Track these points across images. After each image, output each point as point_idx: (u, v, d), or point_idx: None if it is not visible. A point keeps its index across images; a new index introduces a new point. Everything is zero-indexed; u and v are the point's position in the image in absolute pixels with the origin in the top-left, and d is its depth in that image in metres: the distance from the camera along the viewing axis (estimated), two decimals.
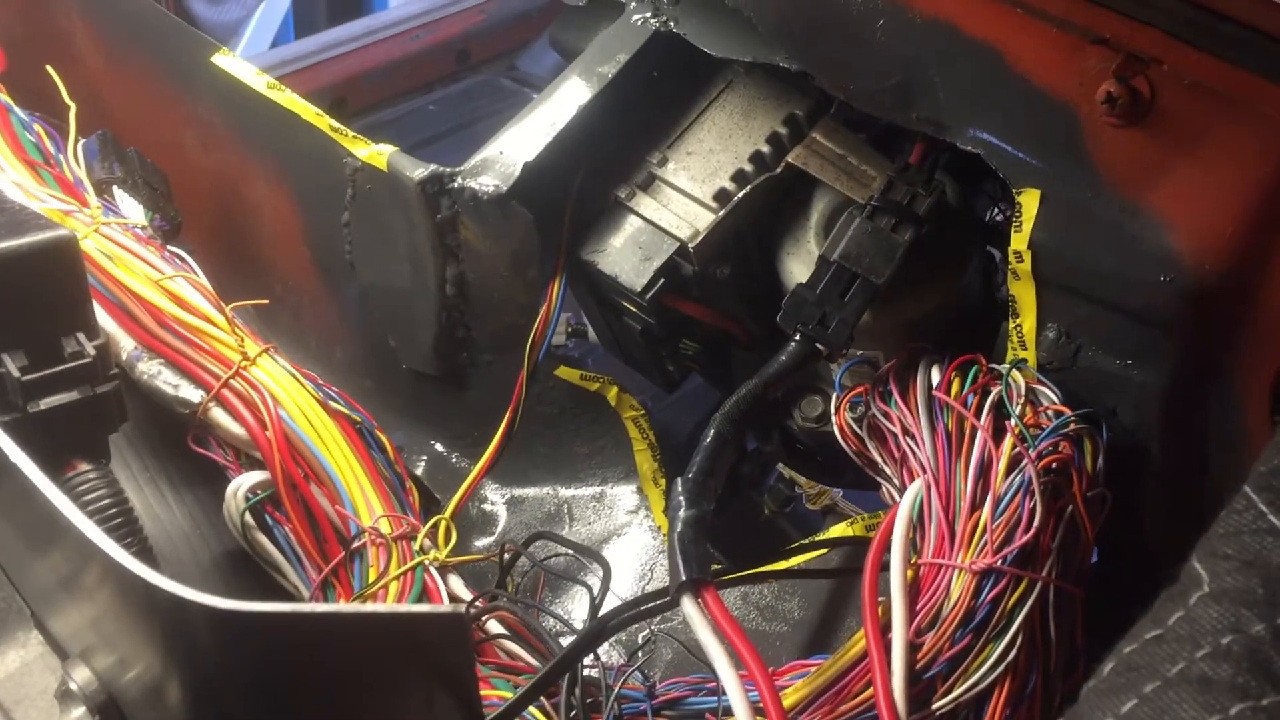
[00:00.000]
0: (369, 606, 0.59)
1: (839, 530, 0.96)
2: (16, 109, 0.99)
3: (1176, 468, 0.82)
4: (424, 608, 0.56)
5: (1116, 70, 0.72)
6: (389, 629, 0.53)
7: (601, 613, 0.80)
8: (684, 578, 0.68)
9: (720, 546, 0.99)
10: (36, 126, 0.99)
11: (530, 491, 1.03)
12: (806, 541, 0.94)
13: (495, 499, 1.02)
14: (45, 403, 0.71)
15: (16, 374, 0.70)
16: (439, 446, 1.05)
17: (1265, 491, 0.48)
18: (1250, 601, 0.44)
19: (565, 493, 1.03)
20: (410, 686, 0.55)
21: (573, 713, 0.71)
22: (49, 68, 0.97)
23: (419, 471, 1.03)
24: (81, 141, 0.97)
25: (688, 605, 0.68)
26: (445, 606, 0.54)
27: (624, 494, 1.02)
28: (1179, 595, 0.46)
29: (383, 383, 1.07)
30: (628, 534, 1.00)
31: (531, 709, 0.72)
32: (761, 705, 0.66)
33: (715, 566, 0.92)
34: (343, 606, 0.63)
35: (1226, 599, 0.44)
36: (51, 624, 0.95)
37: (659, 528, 1.01)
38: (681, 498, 0.73)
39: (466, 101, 2.14)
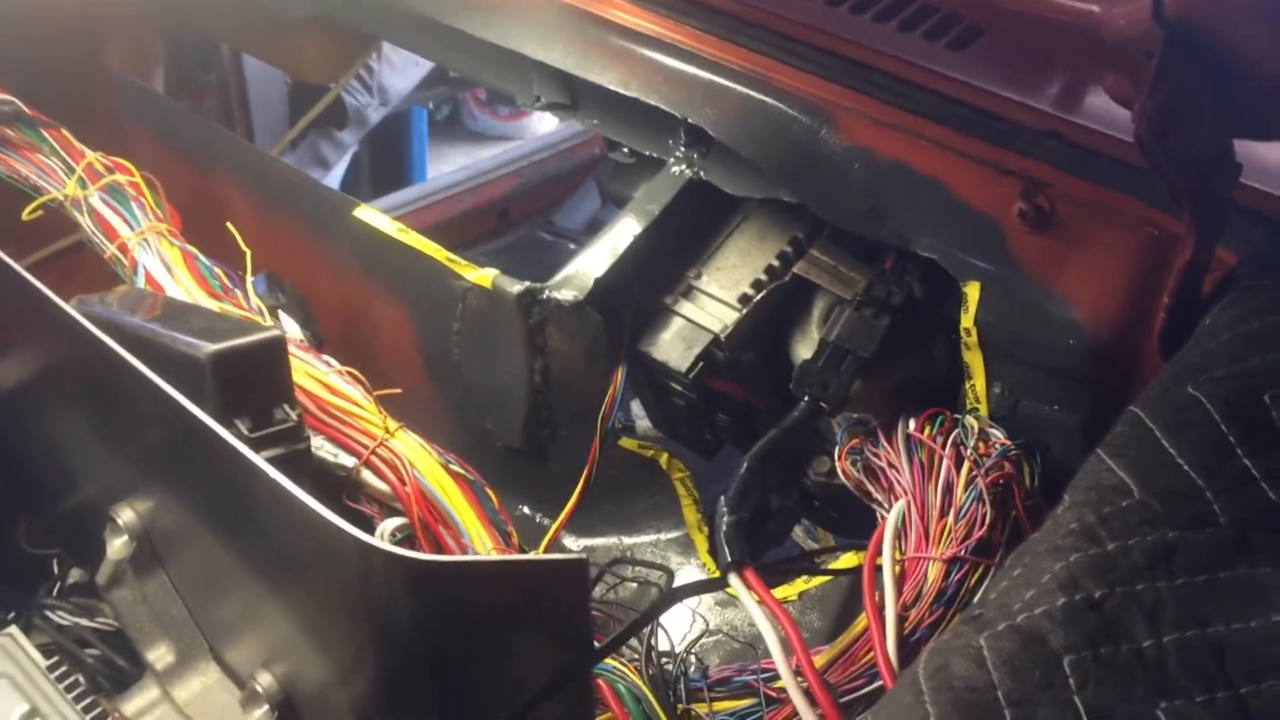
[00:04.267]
0: (514, 556, 0.85)
1: (846, 560, 1.22)
2: (201, 256, 1.29)
3: None
4: (556, 556, 0.80)
5: (1022, 192, 1.02)
6: (532, 573, 0.79)
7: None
8: (729, 560, 0.94)
9: None
10: (216, 269, 1.28)
11: (599, 541, 1.29)
12: (833, 548, 1.20)
13: (572, 548, 1.28)
14: (264, 454, 0.99)
15: (246, 433, 0.98)
16: (525, 509, 1.31)
17: (1106, 447, 0.75)
18: (1088, 504, 0.70)
19: (627, 541, 1.29)
20: (544, 620, 0.80)
21: (651, 669, 0.97)
22: (229, 224, 1.28)
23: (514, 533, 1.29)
24: (253, 279, 1.27)
25: (734, 580, 0.94)
26: (570, 554, 0.79)
27: (675, 540, 1.28)
28: (1051, 512, 0.73)
29: (479, 461, 1.34)
30: (680, 571, 1.26)
31: (624, 668, 0.97)
32: (796, 660, 0.92)
33: None
34: (493, 557, 0.89)
35: (1075, 506, 0.71)
36: (227, 655, 1.20)
37: (704, 565, 1.26)
38: (725, 507, 0.99)
39: (509, 254, 2.43)
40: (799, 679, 0.91)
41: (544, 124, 3.74)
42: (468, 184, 2.59)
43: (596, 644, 0.86)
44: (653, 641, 0.98)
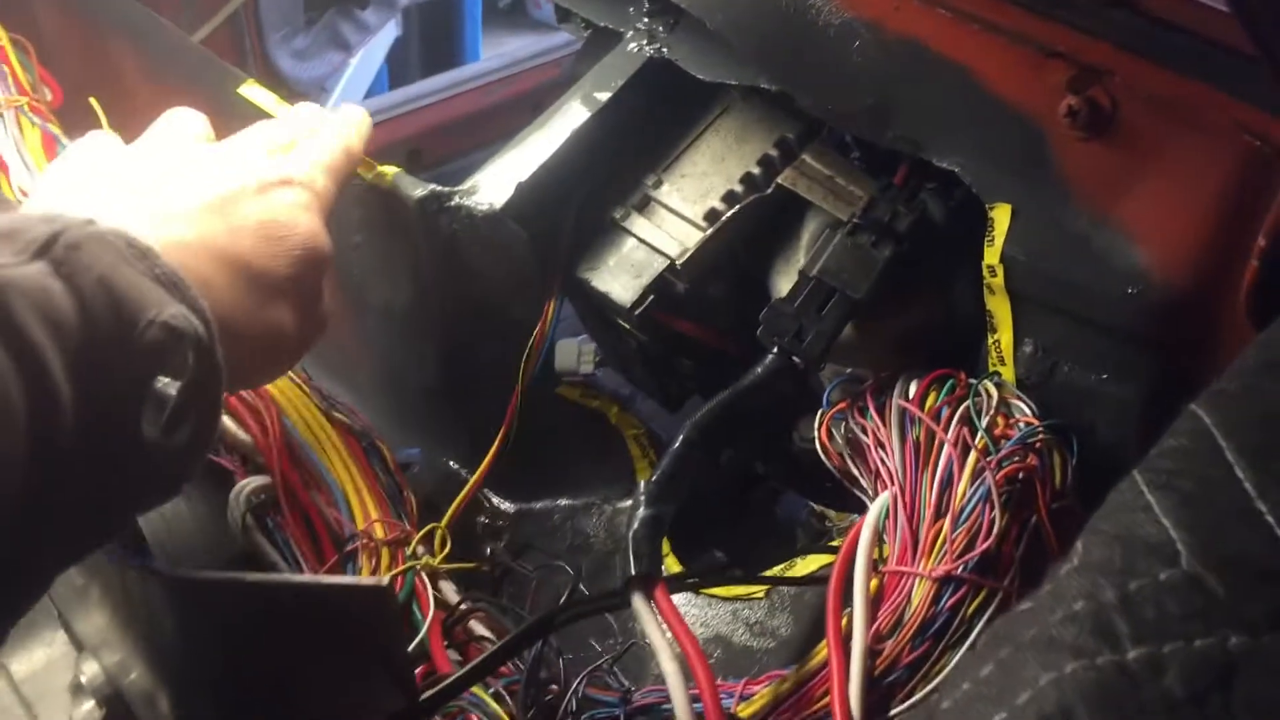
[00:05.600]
0: (300, 576, 0.62)
1: (824, 559, 0.96)
2: (64, 139, 1.06)
3: None
4: (347, 579, 0.58)
5: (1070, 83, 0.73)
6: (317, 598, 0.56)
7: None
8: (633, 573, 0.70)
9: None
10: None
11: (536, 505, 1.05)
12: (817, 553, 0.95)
13: (503, 511, 1.05)
14: None
15: None
16: (452, 464, 1.08)
17: (1148, 471, 0.48)
18: (1108, 570, 0.44)
19: (569, 505, 1.05)
20: (346, 655, 0.58)
21: (530, 709, 0.73)
22: (92, 99, 1.04)
23: (432, 487, 1.06)
24: None
25: (637, 601, 0.70)
26: (369, 579, 0.56)
27: (624, 509, 1.04)
28: (1055, 571, 0.47)
29: (400, 402, 1.10)
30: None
31: (495, 705, 0.74)
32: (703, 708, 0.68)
33: (678, 570, 0.94)
34: (275, 576, 0.66)
35: (1088, 570, 0.45)
36: (75, 624, 1.00)
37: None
38: (641, 498, 0.74)
39: None
40: None
41: None
42: (500, 73, 2.32)
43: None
44: (537, 666, 0.75)
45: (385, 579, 0.53)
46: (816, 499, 1.10)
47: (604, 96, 0.95)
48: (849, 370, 0.92)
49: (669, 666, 0.66)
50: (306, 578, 0.63)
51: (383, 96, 2.40)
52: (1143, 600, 0.42)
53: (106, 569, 0.73)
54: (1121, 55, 0.71)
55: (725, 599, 0.96)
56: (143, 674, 0.75)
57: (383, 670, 0.58)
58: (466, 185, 0.92)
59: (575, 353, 1.11)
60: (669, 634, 0.69)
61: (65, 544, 0.52)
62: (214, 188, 0.70)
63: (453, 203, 0.91)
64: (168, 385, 0.53)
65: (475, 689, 0.73)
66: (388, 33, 2.94)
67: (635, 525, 0.73)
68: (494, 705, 0.73)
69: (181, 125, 0.80)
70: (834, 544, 0.97)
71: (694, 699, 0.67)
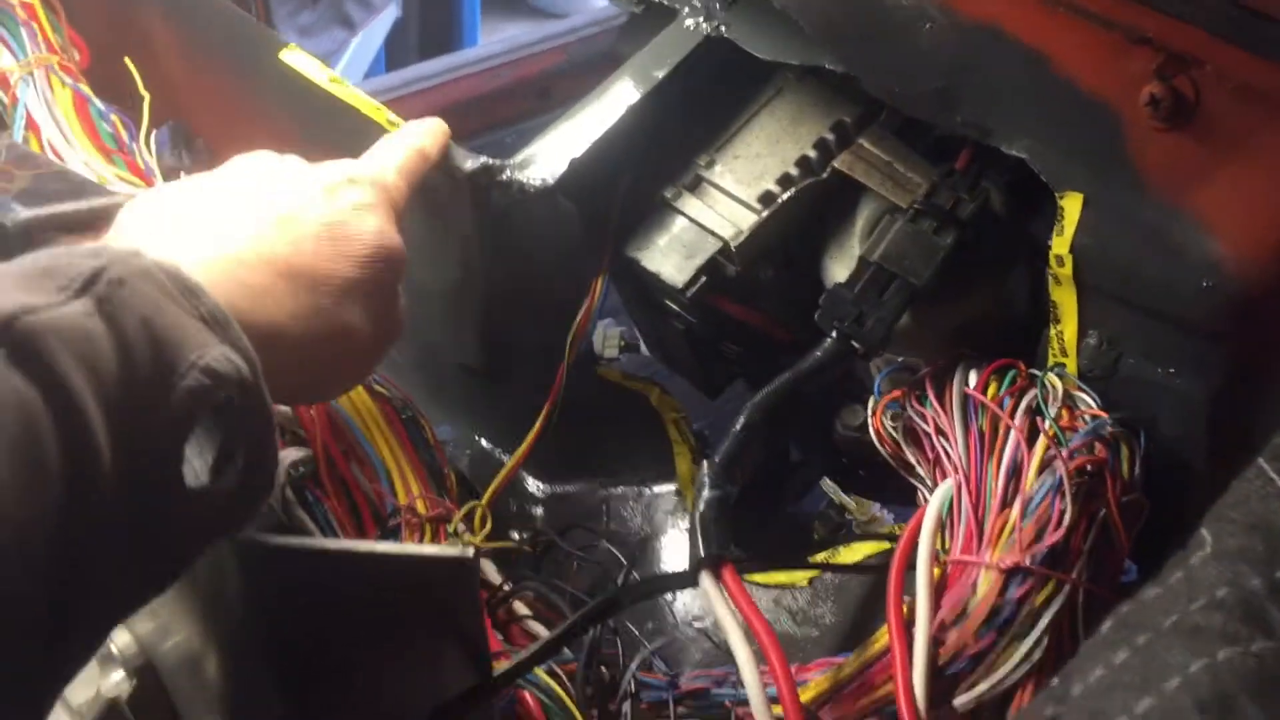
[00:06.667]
0: (381, 545, 0.60)
1: (869, 547, 0.95)
2: (95, 100, 1.03)
3: (1221, 480, 0.81)
4: (432, 549, 0.57)
5: (1158, 70, 0.72)
6: (398, 568, 0.54)
7: None
8: (703, 553, 0.68)
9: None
10: (113, 117, 1.03)
11: (571, 489, 1.04)
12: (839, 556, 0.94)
13: (537, 494, 1.03)
14: None
15: None
16: (484, 443, 1.06)
17: (1276, 461, 0.47)
18: (1250, 559, 0.43)
19: (605, 491, 1.03)
20: (419, 629, 0.56)
21: (589, 687, 0.71)
22: (127, 59, 1.02)
23: (464, 466, 1.04)
24: (155, 131, 1.01)
25: (705, 581, 0.68)
26: (452, 549, 0.55)
27: (663, 494, 1.02)
28: (1182, 558, 0.46)
29: (433, 380, 1.08)
30: (665, 533, 1.01)
31: (551, 683, 0.73)
32: (774, 688, 0.66)
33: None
34: (355, 543, 0.64)
35: (1227, 558, 0.44)
36: None
37: None
38: (706, 479, 0.73)
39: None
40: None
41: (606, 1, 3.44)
42: (507, 55, 2.30)
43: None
44: (597, 648, 0.73)
45: (470, 550, 0.51)
46: (852, 488, 1.09)
47: (660, 74, 0.93)
48: (900, 359, 0.91)
49: (741, 649, 0.65)
50: (390, 546, 0.61)
51: (392, 75, 2.37)
52: None
53: None
54: (1214, 42, 0.70)
55: (767, 586, 0.95)
56: (188, 638, 0.73)
57: (456, 646, 0.57)
58: (519, 159, 0.90)
59: (601, 337, 1.10)
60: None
61: (114, 595, 0.50)
62: (279, 199, 0.67)
63: (505, 176, 0.89)
64: (213, 429, 0.51)
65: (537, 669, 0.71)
66: (388, 14, 2.93)
67: (702, 507, 0.71)
68: (552, 683, 0.71)
69: (260, 155, 0.77)
70: (884, 531, 0.96)
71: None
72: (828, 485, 1.16)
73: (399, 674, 0.59)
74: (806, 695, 0.74)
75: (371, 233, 0.69)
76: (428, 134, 0.83)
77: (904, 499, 0.99)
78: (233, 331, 0.53)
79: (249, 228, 0.64)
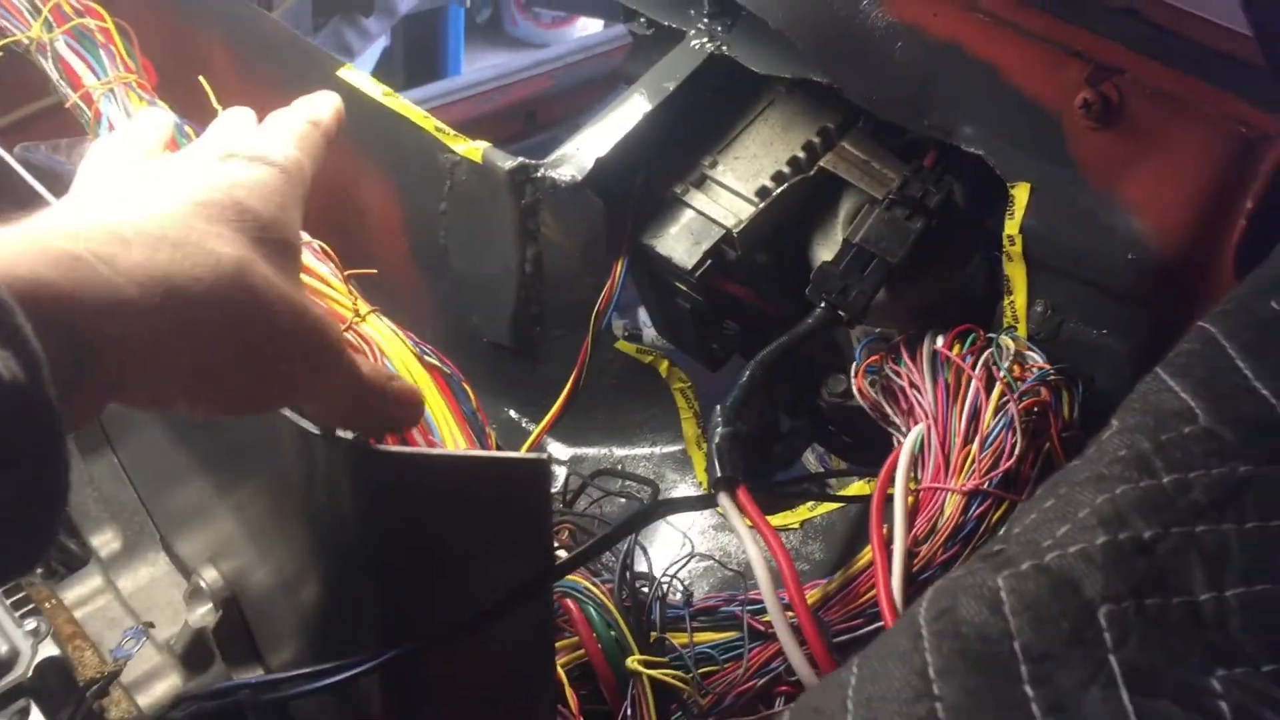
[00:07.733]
0: (471, 451, 0.74)
1: (856, 488, 1.10)
2: (170, 112, 1.17)
3: None
4: (508, 453, 0.70)
5: (1089, 78, 0.88)
6: (487, 468, 0.68)
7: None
8: (719, 475, 0.83)
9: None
10: (188, 128, 1.17)
11: (589, 451, 1.18)
12: (842, 472, 1.08)
13: (559, 456, 1.17)
14: None
15: None
16: (512, 413, 1.20)
17: (1167, 366, 0.62)
18: (1143, 429, 0.58)
19: (620, 453, 1.18)
20: (500, 523, 0.70)
21: (625, 591, 0.86)
22: (201, 78, 1.16)
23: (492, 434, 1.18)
24: None
25: (723, 499, 0.83)
26: (529, 453, 0.68)
27: (671, 455, 1.17)
28: (1096, 437, 0.61)
29: (464, 358, 1.22)
30: (674, 489, 1.15)
31: (594, 589, 0.87)
32: (785, 593, 0.81)
33: None
34: (439, 450, 0.78)
35: (1126, 431, 0.59)
36: (178, 546, 1.11)
37: (700, 483, 1.15)
38: (719, 418, 0.88)
39: (535, 156, 2.31)
40: (788, 613, 0.81)
41: (588, 31, 3.59)
42: (495, 83, 2.46)
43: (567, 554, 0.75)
44: (630, 561, 0.87)
45: (545, 453, 0.65)
46: (837, 452, 1.24)
47: (670, 86, 1.08)
48: (877, 330, 1.06)
49: (753, 549, 0.79)
50: (480, 451, 0.75)
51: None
52: (1172, 446, 0.56)
53: (254, 472, 0.84)
54: (1132, 55, 0.86)
55: None
56: (280, 565, 0.86)
57: (528, 537, 0.70)
58: (550, 159, 1.05)
59: None
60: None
61: None
62: (171, 169, 0.67)
63: (539, 174, 1.03)
64: None
65: (580, 579, 0.85)
66: (379, 42, 3.07)
67: (717, 439, 0.86)
68: (595, 589, 0.85)
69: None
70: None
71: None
72: (809, 460, 1.31)
73: (482, 564, 0.72)
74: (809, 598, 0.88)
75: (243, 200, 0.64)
76: (320, 105, 0.83)
77: (880, 461, 1.14)
78: (20, 335, 0.46)
79: (141, 192, 0.63)
